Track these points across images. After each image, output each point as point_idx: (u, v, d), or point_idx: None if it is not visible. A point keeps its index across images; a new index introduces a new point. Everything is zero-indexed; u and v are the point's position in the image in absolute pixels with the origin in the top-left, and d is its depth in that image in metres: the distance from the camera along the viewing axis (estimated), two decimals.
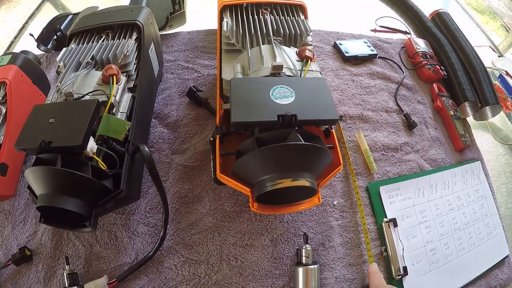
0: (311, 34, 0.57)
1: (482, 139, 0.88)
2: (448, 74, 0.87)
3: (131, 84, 0.55)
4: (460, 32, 0.95)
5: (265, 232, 0.57)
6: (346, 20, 1.00)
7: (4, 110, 0.55)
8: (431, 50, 0.92)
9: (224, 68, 0.53)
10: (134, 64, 0.55)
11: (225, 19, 0.56)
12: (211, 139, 0.51)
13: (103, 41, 0.56)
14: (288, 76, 0.47)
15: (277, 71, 0.47)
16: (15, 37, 0.86)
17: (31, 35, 0.76)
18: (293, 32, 0.55)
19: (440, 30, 0.97)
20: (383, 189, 0.65)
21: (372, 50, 0.85)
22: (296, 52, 0.52)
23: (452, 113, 0.81)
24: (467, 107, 0.82)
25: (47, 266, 0.52)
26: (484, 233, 0.71)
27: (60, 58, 0.54)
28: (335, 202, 0.63)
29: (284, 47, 0.52)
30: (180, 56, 0.79)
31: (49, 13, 0.96)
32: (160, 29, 0.79)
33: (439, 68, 0.87)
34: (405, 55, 0.91)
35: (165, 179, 0.60)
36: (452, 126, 0.80)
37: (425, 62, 0.88)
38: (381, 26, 0.98)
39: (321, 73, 0.49)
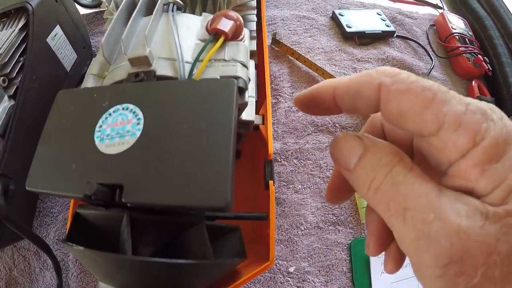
0: None
1: None
2: (493, 69, 0.59)
3: (12, 90, 0.39)
4: (509, 13, 0.65)
5: None
6: None
7: None
8: (471, 33, 0.62)
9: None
10: (20, 62, 0.41)
11: None
12: None
13: None
14: (162, 78, 0.21)
15: (138, 69, 0.21)
16: None
17: None
18: None
19: (483, 8, 0.66)
20: None
21: (387, 26, 0.56)
22: (207, 23, 0.24)
23: None
24: None
25: None
26: None
27: None
28: (291, 269, 0.37)
29: (187, 16, 0.25)
30: None
31: None
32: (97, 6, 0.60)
33: (481, 59, 0.57)
34: (436, 36, 0.61)
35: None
36: None
37: (464, 48, 0.58)
38: None
39: (245, 66, 0.21)
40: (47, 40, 0.44)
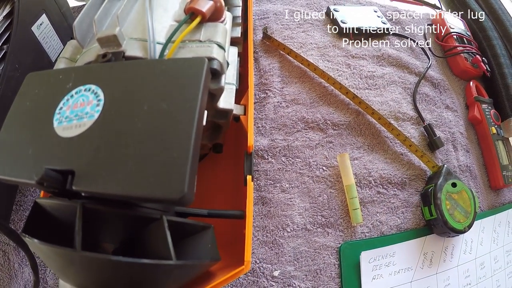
0: None
1: None
2: (492, 70, 0.57)
3: None
4: (508, 14, 0.64)
5: None
6: None
7: None
8: (469, 33, 0.61)
9: None
10: (3, 50, 0.40)
11: None
12: None
13: None
14: (131, 59, 0.19)
15: (106, 50, 0.19)
16: None
17: None
18: None
19: (482, 8, 0.66)
20: (365, 256, 0.37)
21: (383, 23, 0.54)
22: (186, 4, 0.22)
23: (494, 131, 0.51)
24: None
25: None
26: None
27: None
28: (275, 273, 0.36)
29: None
30: None
31: None
32: None
33: (480, 59, 0.56)
34: (434, 36, 0.60)
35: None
36: (492, 151, 0.50)
37: (461, 48, 0.57)
38: None
39: (223, 48, 0.20)
40: (32, 28, 0.43)
